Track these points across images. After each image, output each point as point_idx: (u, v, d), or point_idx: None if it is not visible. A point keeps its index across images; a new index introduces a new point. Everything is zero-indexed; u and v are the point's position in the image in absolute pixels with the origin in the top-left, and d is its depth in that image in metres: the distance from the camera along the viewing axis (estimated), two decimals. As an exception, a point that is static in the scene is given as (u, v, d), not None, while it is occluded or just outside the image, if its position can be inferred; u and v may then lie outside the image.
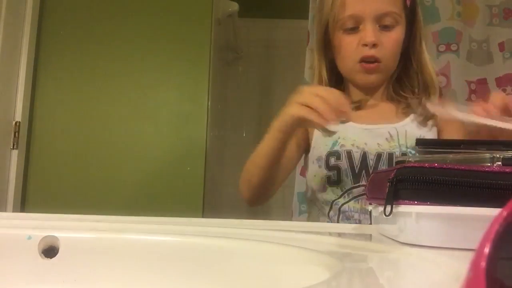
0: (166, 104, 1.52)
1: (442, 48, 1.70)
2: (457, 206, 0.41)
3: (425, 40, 0.99)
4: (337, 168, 0.93)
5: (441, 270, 0.34)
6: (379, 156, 0.91)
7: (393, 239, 0.48)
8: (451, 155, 0.49)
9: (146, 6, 1.55)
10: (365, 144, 0.93)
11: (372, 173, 0.58)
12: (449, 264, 0.35)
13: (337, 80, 1.01)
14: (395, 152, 0.90)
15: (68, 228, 0.53)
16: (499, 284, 0.18)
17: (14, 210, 1.41)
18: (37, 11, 1.52)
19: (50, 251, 0.47)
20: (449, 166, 0.42)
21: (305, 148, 1.03)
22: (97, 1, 1.56)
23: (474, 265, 0.18)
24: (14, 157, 1.43)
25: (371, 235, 0.56)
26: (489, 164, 0.46)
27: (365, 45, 0.89)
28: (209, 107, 1.50)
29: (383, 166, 0.90)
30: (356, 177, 0.91)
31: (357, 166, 0.92)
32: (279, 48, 2.38)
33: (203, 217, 1.43)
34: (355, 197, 0.92)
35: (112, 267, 0.47)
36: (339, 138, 0.95)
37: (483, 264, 0.17)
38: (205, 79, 1.51)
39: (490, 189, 0.40)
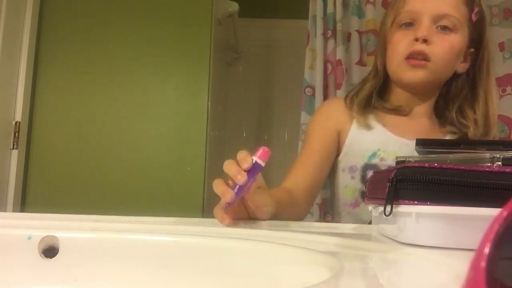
0: (166, 104, 1.52)
1: (442, 48, 1.70)
2: (457, 206, 0.41)
3: (492, 73, 0.93)
4: None
5: (441, 270, 0.34)
6: None
7: (393, 239, 0.48)
8: (451, 155, 0.49)
9: (146, 6, 1.55)
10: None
11: (373, 173, 0.57)
12: (449, 264, 0.35)
13: (384, 83, 0.96)
14: None
15: (68, 228, 0.53)
16: (499, 284, 0.18)
17: (14, 210, 1.41)
18: (37, 11, 1.52)
19: (50, 251, 0.47)
20: (449, 166, 0.42)
21: (336, 153, 0.96)
22: (97, 1, 1.56)
23: (474, 265, 0.18)
24: (14, 157, 1.43)
25: (371, 235, 0.56)
26: (489, 164, 0.46)
27: (416, 39, 0.86)
28: (209, 107, 1.50)
29: None
30: None
31: None
32: (279, 48, 2.38)
33: (203, 217, 1.43)
34: None
35: (112, 267, 0.47)
36: (378, 150, 0.89)
37: (483, 264, 0.17)
38: (205, 79, 1.51)
39: (490, 189, 0.40)
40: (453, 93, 0.92)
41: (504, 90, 1.66)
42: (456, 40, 0.87)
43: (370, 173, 0.88)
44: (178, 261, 0.46)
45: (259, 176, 0.64)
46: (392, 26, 0.92)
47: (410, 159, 0.48)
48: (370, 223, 0.87)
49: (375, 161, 0.89)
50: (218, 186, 0.60)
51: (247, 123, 2.38)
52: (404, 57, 0.87)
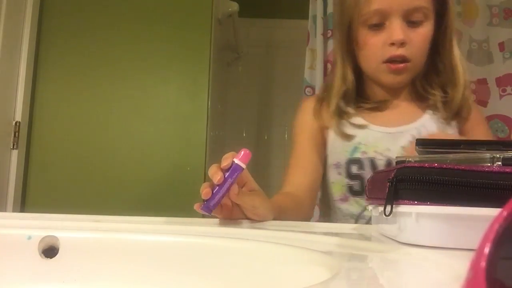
0: (166, 104, 1.52)
1: (442, 48, 1.70)
2: (457, 206, 0.41)
3: (456, 36, 0.91)
4: (360, 178, 0.86)
5: (441, 270, 0.34)
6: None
7: (393, 239, 0.48)
8: (451, 155, 0.49)
9: (146, 6, 1.55)
10: (389, 150, 0.86)
11: (372, 173, 0.57)
12: (449, 264, 0.35)
13: (357, 79, 0.93)
14: None
15: (68, 228, 0.53)
16: (499, 284, 0.18)
17: (14, 210, 1.41)
18: (37, 11, 1.52)
19: (50, 251, 0.47)
20: (449, 166, 0.42)
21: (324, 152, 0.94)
22: (97, 1, 1.56)
23: (474, 265, 0.18)
24: (14, 157, 1.43)
25: (371, 235, 0.56)
26: (489, 164, 0.46)
27: (393, 44, 0.82)
28: (209, 107, 1.50)
29: None
30: None
31: None
32: (279, 48, 2.38)
33: (203, 217, 1.43)
34: None
35: (112, 267, 0.47)
36: (359, 144, 0.88)
37: (483, 264, 0.17)
38: (205, 79, 1.51)
39: (490, 189, 0.40)
40: None
41: (504, 90, 1.66)
42: (428, 28, 0.85)
43: (354, 168, 0.87)
44: (178, 261, 0.46)
45: (251, 180, 0.65)
46: (358, 26, 0.86)
47: (410, 159, 0.48)
48: (359, 217, 0.88)
49: (358, 155, 0.88)
50: (202, 187, 0.62)
51: (247, 123, 2.38)
52: (383, 61, 0.85)
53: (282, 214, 0.72)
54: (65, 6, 1.55)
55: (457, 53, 0.90)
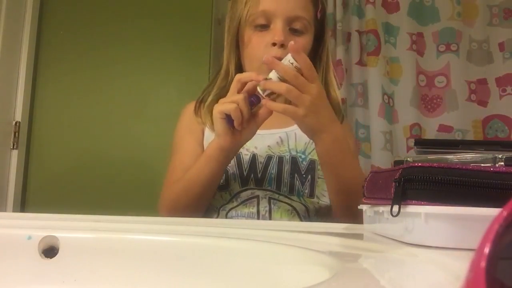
0: (166, 104, 1.52)
1: (442, 48, 1.70)
2: (467, 206, 0.40)
3: (331, 61, 0.96)
4: (225, 172, 0.87)
5: (442, 270, 0.34)
6: (269, 158, 0.88)
7: (393, 239, 0.47)
8: (449, 156, 0.49)
9: (146, 6, 1.55)
10: (256, 148, 0.89)
11: (370, 173, 0.57)
12: (451, 264, 0.35)
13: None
14: (285, 156, 0.88)
15: (68, 228, 0.53)
16: (499, 284, 0.18)
17: (14, 210, 1.41)
18: (37, 11, 1.52)
19: (50, 251, 0.47)
20: (458, 166, 0.42)
21: None
22: (97, 1, 1.56)
23: (474, 265, 0.18)
24: (14, 157, 1.43)
25: (362, 234, 0.56)
26: (491, 164, 0.46)
27: (274, 44, 0.86)
28: (209, 107, 1.50)
29: (272, 170, 0.87)
30: (244, 181, 0.88)
31: (245, 169, 0.88)
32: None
33: (202, 217, 1.43)
34: (243, 201, 0.87)
35: (112, 267, 0.47)
36: None
37: (483, 264, 0.17)
38: (205, 79, 1.51)
39: (500, 190, 0.40)
40: None
41: (504, 90, 1.66)
42: (306, 41, 0.89)
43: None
44: (178, 261, 0.46)
45: None
46: (246, 25, 0.90)
47: (408, 159, 0.48)
48: (220, 209, 0.88)
49: None
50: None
51: (247, 123, 2.38)
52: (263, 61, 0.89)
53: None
54: (65, 7, 1.55)
55: (333, 77, 0.95)
